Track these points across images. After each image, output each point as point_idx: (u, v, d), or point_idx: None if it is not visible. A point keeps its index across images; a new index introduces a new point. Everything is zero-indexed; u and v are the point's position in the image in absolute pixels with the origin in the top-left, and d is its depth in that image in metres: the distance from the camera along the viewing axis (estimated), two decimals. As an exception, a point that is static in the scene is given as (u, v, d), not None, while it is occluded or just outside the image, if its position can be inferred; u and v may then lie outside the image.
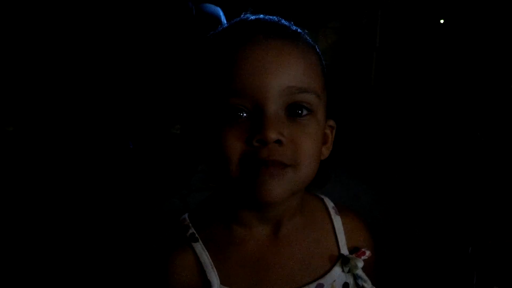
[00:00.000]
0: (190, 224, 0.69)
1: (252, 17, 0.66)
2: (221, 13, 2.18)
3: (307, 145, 0.60)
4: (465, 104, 2.20)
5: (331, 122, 0.69)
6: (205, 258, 0.66)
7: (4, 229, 1.86)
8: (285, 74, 0.59)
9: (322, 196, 0.77)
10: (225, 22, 2.21)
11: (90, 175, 1.91)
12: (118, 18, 1.82)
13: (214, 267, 0.65)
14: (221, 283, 0.65)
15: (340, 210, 0.75)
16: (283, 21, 0.66)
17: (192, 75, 0.67)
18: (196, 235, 0.67)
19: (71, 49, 1.83)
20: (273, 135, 0.57)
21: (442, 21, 2.57)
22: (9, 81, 1.90)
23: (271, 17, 0.66)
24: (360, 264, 0.71)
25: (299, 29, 0.66)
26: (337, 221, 0.74)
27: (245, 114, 0.59)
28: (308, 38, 0.66)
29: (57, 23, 1.79)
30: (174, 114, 2.07)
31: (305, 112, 0.61)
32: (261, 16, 0.66)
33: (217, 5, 2.36)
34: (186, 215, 0.71)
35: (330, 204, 0.75)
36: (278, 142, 0.58)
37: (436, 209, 2.01)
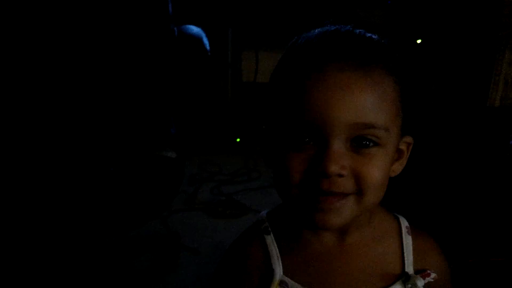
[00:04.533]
0: (266, 219, 0.76)
1: (342, 30, 0.66)
2: (203, 35, 2.19)
3: (371, 176, 0.61)
4: (443, 125, 2.24)
5: (408, 139, 0.70)
6: (273, 249, 0.72)
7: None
8: (352, 110, 0.59)
9: (399, 216, 0.78)
10: (207, 43, 2.23)
11: (68, 199, 1.88)
12: (99, 39, 1.82)
13: (279, 258, 0.71)
14: (283, 274, 0.71)
15: (413, 231, 0.76)
16: (370, 36, 0.65)
17: (269, 94, 0.70)
18: (269, 229, 0.74)
19: (51, 74, 1.81)
20: (334, 170, 0.59)
21: (419, 41, 2.61)
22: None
23: (356, 31, 0.65)
24: (420, 283, 0.71)
25: (380, 46, 0.65)
26: (408, 240, 0.75)
27: (311, 143, 0.61)
28: (388, 56, 0.65)
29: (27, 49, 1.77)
30: (162, 137, 2.06)
31: (371, 144, 0.61)
32: (344, 30, 0.66)
33: (198, 25, 2.38)
34: (265, 212, 0.78)
35: (404, 224, 0.77)
36: (340, 176, 0.60)
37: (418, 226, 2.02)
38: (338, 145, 0.60)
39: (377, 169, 0.61)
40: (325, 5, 2.86)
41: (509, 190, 1.75)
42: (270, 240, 0.73)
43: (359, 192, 0.61)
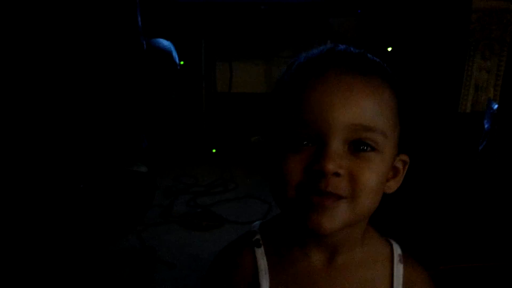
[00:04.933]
0: (258, 231, 0.75)
1: (340, 47, 0.68)
2: (173, 48, 2.18)
3: (366, 178, 0.61)
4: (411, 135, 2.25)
5: (404, 157, 0.70)
6: (262, 263, 0.72)
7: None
8: (351, 112, 0.60)
9: (393, 242, 0.77)
10: (177, 57, 2.22)
11: (38, 217, 1.85)
12: (65, 53, 1.80)
13: (267, 273, 0.71)
14: None
15: (405, 260, 0.75)
16: (368, 55, 0.68)
17: (272, 99, 0.70)
18: (260, 242, 0.74)
19: (18, 88, 1.79)
20: (331, 167, 0.59)
21: (390, 49, 2.64)
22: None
23: (355, 50, 0.68)
24: None
25: (378, 64, 0.67)
26: (398, 269, 0.73)
27: (310, 144, 0.62)
28: (386, 73, 0.67)
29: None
30: (133, 152, 2.04)
31: (369, 149, 0.62)
32: (343, 48, 0.68)
33: (171, 37, 2.37)
34: (258, 223, 0.78)
35: (397, 251, 0.75)
36: (337, 174, 0.60)
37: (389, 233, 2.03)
38: (336, 145, 0.60)
39: (373, 173, 0.62)
40: (298, 15, 2.88)
41: (479, 196, 1.78)
42: (260, 254, 0.72)
43: (353, 196, 0.61)
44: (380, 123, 0.62)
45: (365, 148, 0.62)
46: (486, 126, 1.97)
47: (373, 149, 0.62)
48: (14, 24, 1.71)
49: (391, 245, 0.76)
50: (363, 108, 0.61)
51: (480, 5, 2.53)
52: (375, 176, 0.62)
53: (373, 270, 0.72)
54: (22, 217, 1.80)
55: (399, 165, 0.69)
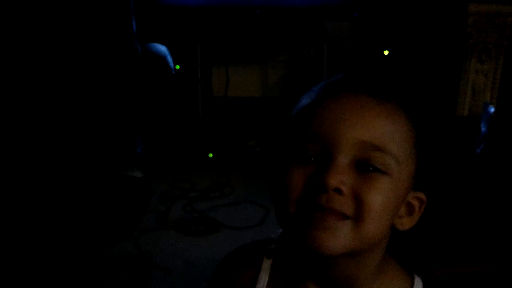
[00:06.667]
0: (275, 241, 0.73)
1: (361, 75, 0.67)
2: (168, 52, 2.18)
3: (372, 199, 0.57)
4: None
5: (421, 195, 0.64)
6: (262, 275, 0.70)
7: None
8: (361, 128, 0.58)
9: (415, 276, 0.70)
10: (171, 61, 2.22)
11: (32, 224, 1.84)
12: (59, 57, 1.79)
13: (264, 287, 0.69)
14: None
15: None
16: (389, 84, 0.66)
17: (289, 119, 0.68)
18: (272, 253, 0.71)
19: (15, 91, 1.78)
20: (333, 182, 0.56)
21: (386, 52, 2.64)
22: None
23: (375, 78, 0.67)
24: None
25: (399, 93, 0.64)
26: None
27: (316, 160, 0.59)
28: (405, 102, 0.63)
29: None
30: (128, 157, 2.03)
31: (379, 171, 0.58)
32: (363, 75, 0.67)
33: (167, 41, 2.37)
34: (280, 231, 0.74)
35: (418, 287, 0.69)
36: (338, 191, 0.56)
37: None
38: (342, 160, 0.57)
39: (380, 195, 0.57)
40: (294, 19, 2.88)
41: (477, 199, 1.77)
42: (266, 265, 0.70)
43: (358, 217, 0.57)
44: (392, 146, 0.58)
45: (373, 169, 0.58)
46: (483, 129, 1.97)
47: (383, 172, 0.58)
48: (8, 27, 1.70)
49: (412, 281, 0.69)
50: (374, 127, 0.58)
51: (476, 9, 2.53)
52: (381, 198, 0.57)
53: None
54: (16, 223, 1.79)
55: (415, 202, 0.64)
